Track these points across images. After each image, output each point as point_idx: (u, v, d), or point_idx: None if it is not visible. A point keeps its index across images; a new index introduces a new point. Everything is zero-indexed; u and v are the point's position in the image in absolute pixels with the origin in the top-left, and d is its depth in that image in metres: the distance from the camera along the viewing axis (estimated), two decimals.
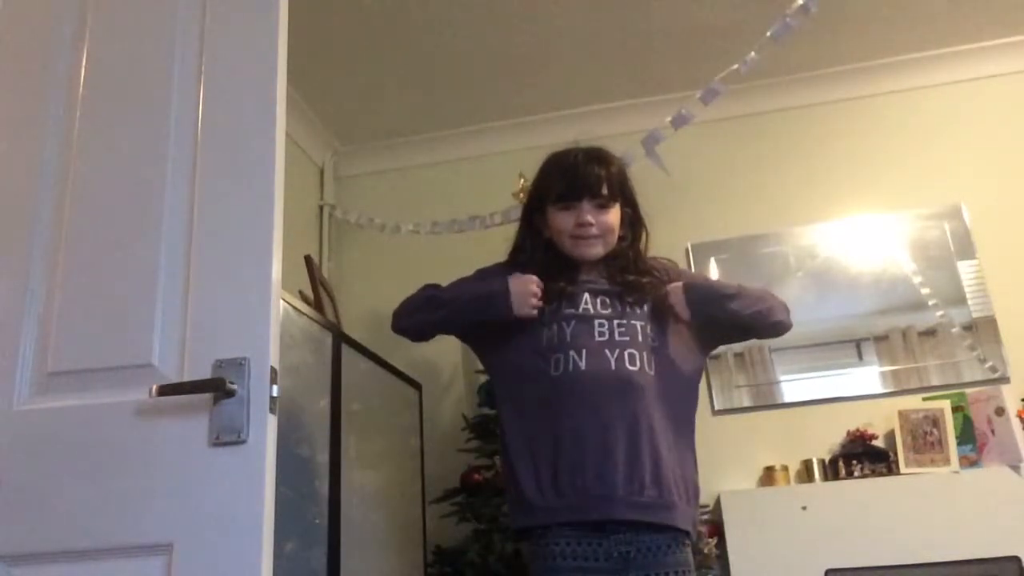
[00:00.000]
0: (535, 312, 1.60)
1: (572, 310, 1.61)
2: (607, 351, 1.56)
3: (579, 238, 1.64)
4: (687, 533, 1.55)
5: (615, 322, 1.60)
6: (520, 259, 1.75)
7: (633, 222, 1.73)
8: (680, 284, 1.64)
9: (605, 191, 1.64)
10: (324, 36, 2.96)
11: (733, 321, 1.63)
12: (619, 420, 1.51)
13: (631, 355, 1.57)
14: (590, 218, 1.63)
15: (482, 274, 1.80)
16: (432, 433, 3.14)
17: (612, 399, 1.53)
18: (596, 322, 1.59)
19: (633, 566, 1.47)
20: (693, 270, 3.26)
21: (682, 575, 1.50)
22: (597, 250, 1.66)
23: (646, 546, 1.48)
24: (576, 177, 1.64)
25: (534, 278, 1.62)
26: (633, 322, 1.61)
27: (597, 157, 1.68)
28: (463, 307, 1.69)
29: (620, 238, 1.70)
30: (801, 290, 3.18)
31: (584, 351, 1.56)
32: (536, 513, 1.51)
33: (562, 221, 1.65)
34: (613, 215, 1.66)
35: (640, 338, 1.60)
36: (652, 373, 1.58)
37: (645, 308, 1.64)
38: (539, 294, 1.60)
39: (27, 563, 1.22)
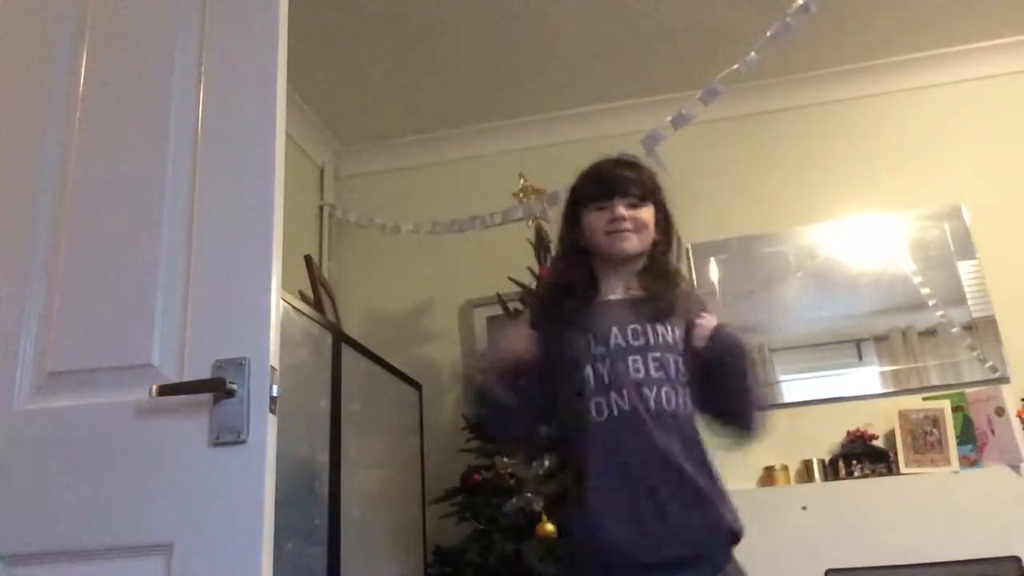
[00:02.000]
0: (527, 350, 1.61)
1: (603, 348, 1.58)
2: (645, 389, 1.55)
3: (612, 232, 1.65)
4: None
5: (649, 356, 1.58)
6: (555, 276, 1.79)
7: (666, 229, 1.73)
8: (714, 318, 1.63)
9: (637, 191, 1.67)
10: (324, 36, 2.96)
11: (732, 386, 1.60)
12: (659, 460, 1.54)
13: (667, 394, 1.56)
14: (623, 212, 1.64)
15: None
16: (432, 433, 3.14)
17: (653, 439, 1.53)
18: (630, 359, 1.57)
19: None
20: (693, 270, 3.26)
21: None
22: (632, 243, 1.65)
23: None
24: (608, 178, 1.69)
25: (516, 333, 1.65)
26: (667, 354, 1.58)
27: (628, 162, 1.73)
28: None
29: (654, 243, 1.70)
30: (801, 290, 3.19)
31: (625, 392, 1.55)
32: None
33: (596, 220, 1.67)
34: (646, 212, 1.67)
35: (674, 372, 1.58)
36: (684, 412, 1.58)
37: (677, 332, 1.61)
38: (520, 344, 1.62)
39: (27, 563, 1.22)
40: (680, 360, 1.58)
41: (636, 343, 1.58)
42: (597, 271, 1.69)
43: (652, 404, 1.54)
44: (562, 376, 1.61)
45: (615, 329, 1.59)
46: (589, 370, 1.57)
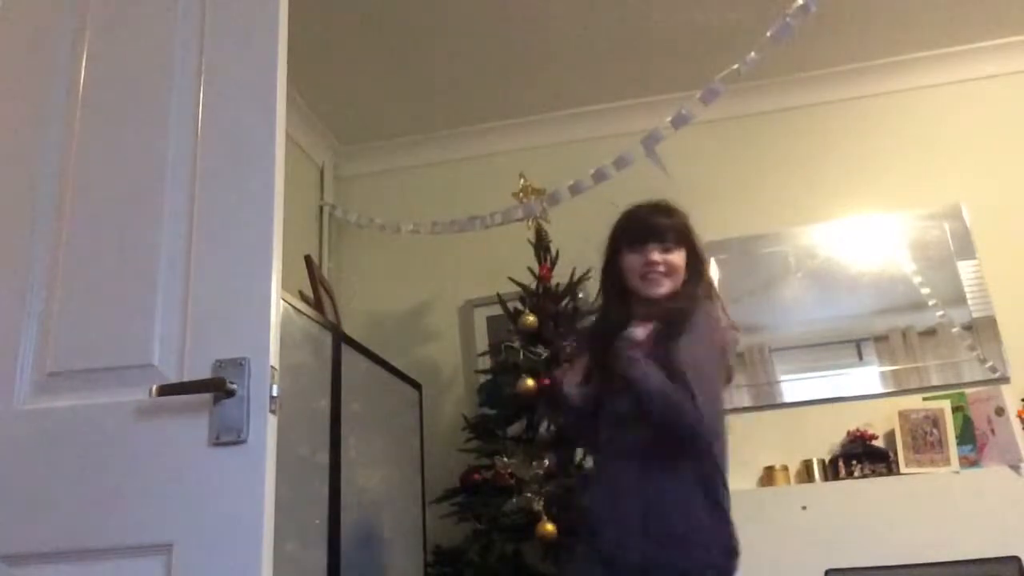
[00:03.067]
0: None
1: (618, 385, 1.73)
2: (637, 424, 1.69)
3: (646, 276, 1.79)
4: None
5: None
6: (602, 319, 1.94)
7: (698, 269, 1.86)
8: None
9: (671, 236, 1.82)
10: (324, 36, 2.96)
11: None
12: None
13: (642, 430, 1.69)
14: (657, 257, 1.78)
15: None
16: (432, 433, 3.14)
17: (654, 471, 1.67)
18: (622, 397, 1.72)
19: None
20: None
21: None
22: (664, 287, 1.79)
23: None
24: (643, 224, 1.84)
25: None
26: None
27: (661, 207, 1.87)
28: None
29: (684, 282, 1.82)
30: (801, 290, 3.19)
31: (625, 426, 1.71)
32: None
33: (632, 262, 1.82)
34: (678, 257, 1.81)
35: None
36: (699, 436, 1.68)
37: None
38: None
39: (27, 563, 1.22)
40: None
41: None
42: (630, 308, 1.83)
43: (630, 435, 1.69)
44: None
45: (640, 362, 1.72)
46: (609, 406, 1.75)
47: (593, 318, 2.04)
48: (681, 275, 1.81)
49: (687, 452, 1.65)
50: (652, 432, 1.65)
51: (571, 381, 1.85)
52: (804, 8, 2.29)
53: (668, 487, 1.64)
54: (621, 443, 1.71)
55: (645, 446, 1.66)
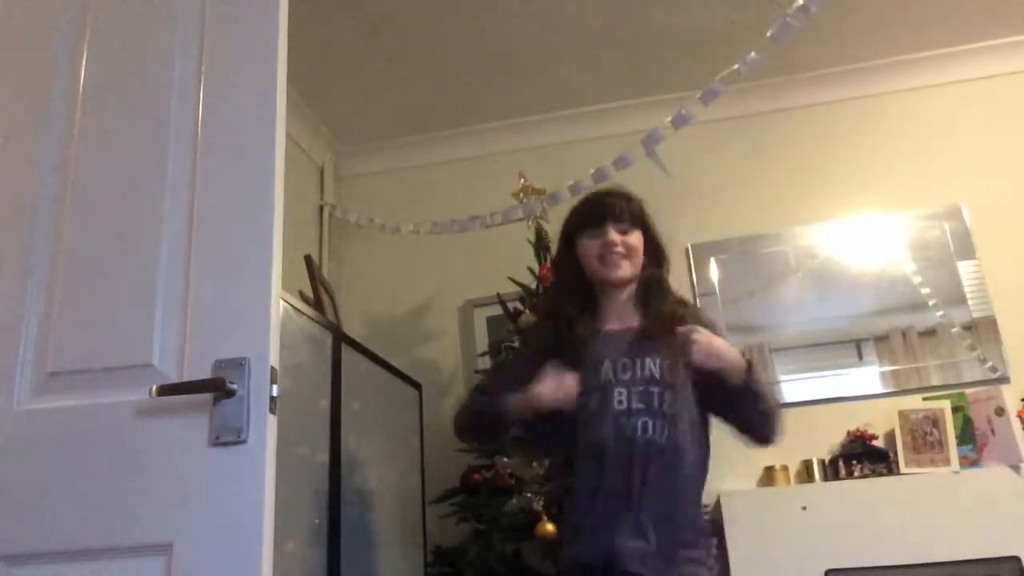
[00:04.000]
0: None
1: (595, 380, 1.66)
2: (623, 419, 1.63)
3: (606, 257, 1.74)
4: None
5: (632, 389, 1.65)
6: (557, 307, 1.84)
7: (655, 253, 1.82)
8: (707, 334, 1.68)
9: (626, 217, 1.77)
10: (324, 36, 2.96)
11: (743, 394, 1.66)
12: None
13: (646, 424, 1.62)
14: (615, 237, 1.73)
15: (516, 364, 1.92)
16: (432, 433, 3.14)
17: (634, 467, 1.60)
18: (616, 391, 1.65)
19: None
20: (693, 270, 3.26)
21: None
22: (624, 269, 1.74)
23: None
24: (599, 205, 1.79)
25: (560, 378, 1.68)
26: (650, 387, 1.65)
27: (616, 191, 1.84)
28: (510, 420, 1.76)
29: (643, 266, 1.78)
30: (801, 290, 3.19)
31: (608, 423, 1.63)
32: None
33: (590, 247, 1.76)
34: (635, 238, 1.77)
35: (656, 404, 1.64)
36: (664, 440, 1.63)
37: (664, 364, 1.66)
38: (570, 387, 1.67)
39: (27, 563, 1.22)
40: (664, 392, 1.64)
41: (624, 376, 1.66)
42: (597, 299, 1.77)
43: (635, 433, 1.61)
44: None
45: (607, 362, 1.67)
46: (584, 401, 1.66)
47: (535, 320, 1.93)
48: (640, 258, 1.77)
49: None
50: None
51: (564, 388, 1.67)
52: (804, 8, 2.29)
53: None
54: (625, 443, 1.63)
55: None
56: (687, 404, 1.65)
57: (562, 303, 1.81)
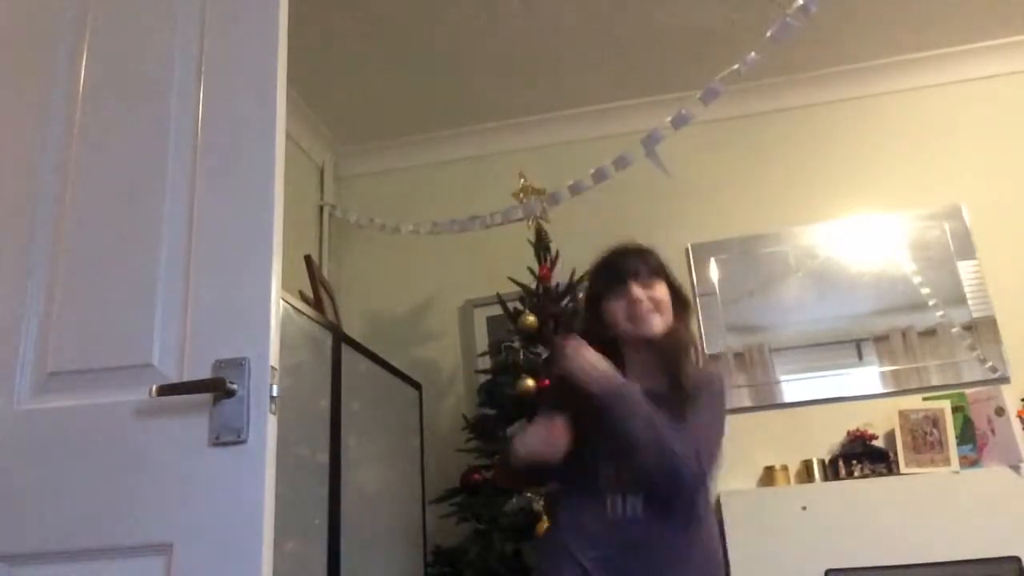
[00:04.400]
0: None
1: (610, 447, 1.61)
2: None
3: (635, 317, 1.69)
4: None
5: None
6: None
7: (682, 308, 1.76)
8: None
9: (645, 271, 1.72)
10: (324, 36, 2.96)
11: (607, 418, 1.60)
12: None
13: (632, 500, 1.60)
14: (640, 294, 1.69)
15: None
16: (432, 433, 3.14)
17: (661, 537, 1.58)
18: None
19: None
20: (693, 270, 3.26)
21: None
22: (656, 323, 1.68)
23: None
24: (618, 264, 1.75)
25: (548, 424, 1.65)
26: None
27: (630, 248, 1.78)
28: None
29: (673, 321, 1.73)
30: (801, 290, 3.19)
31: (629, 492, 1.59)
32: None
33: (616, 308, 1.71)
34: (660, 291, 1.72)
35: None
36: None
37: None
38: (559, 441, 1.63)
39: (27, 563, 1.22)
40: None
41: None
42: (624, 358, 1.71)
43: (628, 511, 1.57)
44: (584, 463, 1.64)
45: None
46: (609, 467, 1.61)
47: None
48: (669, 310, 1.71)
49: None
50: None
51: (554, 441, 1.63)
52: (804, 8, 2.29)
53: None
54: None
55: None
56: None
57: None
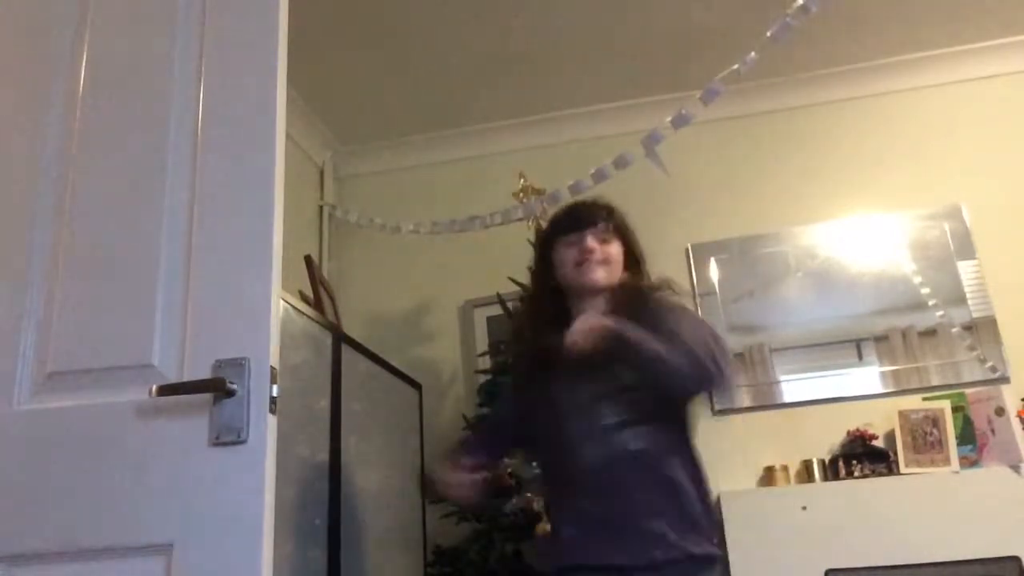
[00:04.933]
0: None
1: (581, 398, 1.64)
2: (615, 435, 1.60)
3: (582, 264, 1.70)
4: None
5: (616, 400, 1.62)
6: (530, 319, 1.82)
7: (636, 265, 1.78)
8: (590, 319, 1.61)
9: (604, 224, 1.74)
10: (324, 36, 2.96)
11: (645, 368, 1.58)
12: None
13: (636, 434, 1.60)
14: (593, 244, 1.70)
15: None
16: (432, 433, 3.14)
17: (629, 480, 1.59)
18: (602, 406, 1.62)
19: None
20: (693, 270, 3.26)
21: None
22: (600, 275, 1.70)
23: None
24: (579, 213, 1.77)
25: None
26: (633, 395, 1.62)
27: (596, 201, 1.81)
28: None
29: (620, 282, 1.74)
30: (801, 290, 3.19)
31: (595, 440, 1.61)
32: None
33: (567, 253, 1.72)
34: (615, 248, 1.73)
35: (639, 413, 1.61)
36: (657, 447, 1.60)
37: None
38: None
39: (27, 563, 1.22)
40: (646, 399, 1.61)
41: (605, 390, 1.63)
42: (571, 310, 1.71)
43: (626, 448, 1.58)
44: (546, 423, 1.68)
45: (587, 379, 1.62)
46: (569, 422, 1.63)
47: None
48: (618, 269, 1.72)
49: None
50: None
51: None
52: (804, 8, 2.29)
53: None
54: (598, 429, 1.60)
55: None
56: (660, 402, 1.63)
57: (532, 317, 1.79)
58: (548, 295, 1.76)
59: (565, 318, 1.66)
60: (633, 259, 1.77)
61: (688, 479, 1.59)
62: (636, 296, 1.70)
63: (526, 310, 1.92)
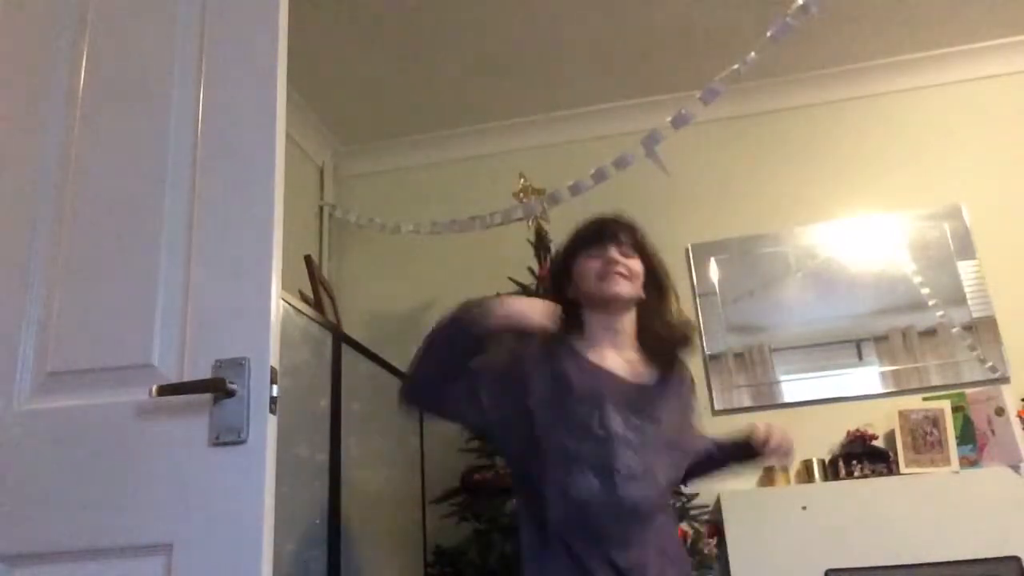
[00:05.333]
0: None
1: (602, 431, 1.52)
2: (631, 485, 1.51)
3: (605, 277, 1.64)
4: None
5: (640, 452, 1.53)
6: None
7: (658, 288, 1.73)
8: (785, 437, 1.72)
9: (629, 240, 1.70)
10: (324, 36, 2.96)
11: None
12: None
13: (647, 491, 1.53)
14: (617, 256, 1.65)
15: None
16: (432, 433, 3.14)
17: (632, 531, 1.52)
18: (621, 451, 1.51)
19: None
20: (693, 270, 3.26)
21: None
22: (624, 288, 1.63)
23: None
24: (603, 226, 1.72)
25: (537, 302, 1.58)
26: (658, 457, 1.56)
27: (621, 218, 1.75)
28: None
29: (644, 303, 1.69)
30: (801, 290, 3.19)
31: (604, 479, 1.50)
32: None
33: (589, 267, 1.67)
34: (637, 264, 1.69)
35: (663, 476, 1.57)
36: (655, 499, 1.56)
37: (670, 431, 1.60)
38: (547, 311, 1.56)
39: (27, 563, 1.22)
40: (668, 463, 1.57)
41: (630, 436, 1.53)
42: (586, 324, 1.66)
43: (634, 499, 1.49)
44: (545, 423, 1.54)
45: (611, 411, 1.53)
46: (583, 445, 1.51)
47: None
48: (640, 284, 1.67)
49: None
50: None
51: None
52: (804, 8, 2.29)
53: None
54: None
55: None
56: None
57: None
58: (563, 302, 1.66)
59: (577, 327, 1.65)
60: (656, 281, 1.72)
61: None
62: (666, 350, 1.67)
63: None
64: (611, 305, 1.65)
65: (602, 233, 1.70)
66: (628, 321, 1.67)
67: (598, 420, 1.52)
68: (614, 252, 1.66)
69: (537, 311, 1.51)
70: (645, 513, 1.50)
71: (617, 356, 1.64)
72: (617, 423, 1.52)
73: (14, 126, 1.47)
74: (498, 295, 1.73)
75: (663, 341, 1.67)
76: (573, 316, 1.66)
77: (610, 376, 1.59)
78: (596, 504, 1.47)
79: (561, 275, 1.74)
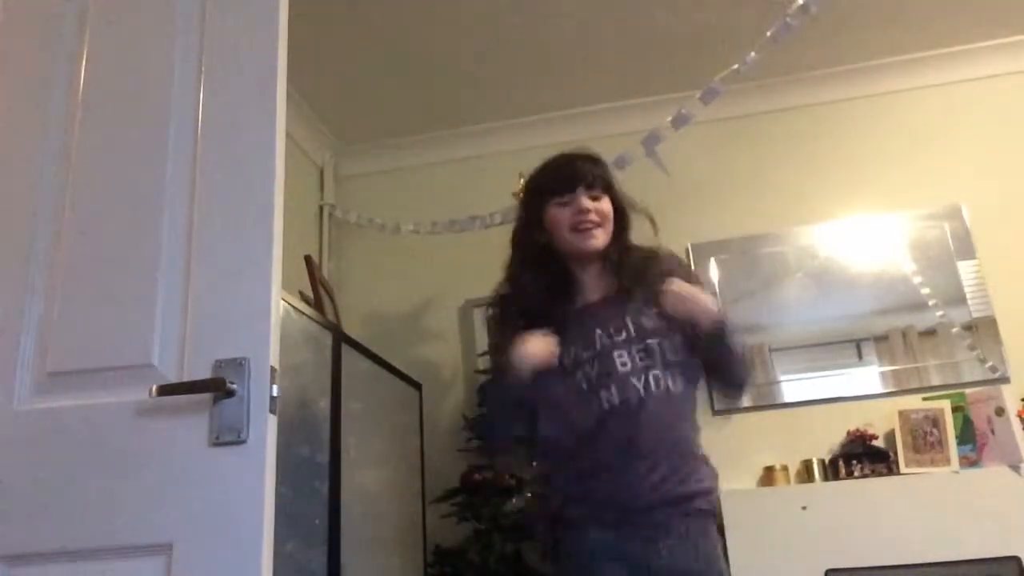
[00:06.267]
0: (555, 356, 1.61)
1: (591, 351, 1.61)
2: (633, 379, 1.59)
3: (579, 229, 1.65)
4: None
5: (633, 348, 1.61)
6: (520, 285, 1.72)
7: (621, 219, 1.74)
8: (680, 283, 1.63)
9: (598, 182, 1.69)
10: (324, 36, 2.96)
11: (714, 336, 1.61)
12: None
13: (656, 378, 1.59)
14: (588, 204, 1.65)
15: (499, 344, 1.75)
16: (432, 433, 3.14)
17: (647, 423, 1.58)
18: (615, 354, 1.60)
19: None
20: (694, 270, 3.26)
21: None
22: (599, 239, 1.66)
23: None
24: (571, 170, 1.69)
25: (538, 339, 1.61)
26: (649, 340, 1.62)
27: (586, 155, 1.74)
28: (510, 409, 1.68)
29: (614, 234, 1.72)
30: (801, 290, 3.19)
31: (614, 386, 1.59)
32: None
33: (560, 215, 1.67)
34: (606, 205, 1.69)
35: (659, 356, 1.61)
36: (678, 388, 1.62)
37: (656, 317, 1.63)
38: (548, 348, 1.60)
39: (27, 563, 1.22)
40: (663, 341, 1.62)
41: (619, 338, 1.61)
42: (570, 273, 1.70)
43: (642, 391, 1.58)
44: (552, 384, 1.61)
45: (598, 331, 1.62)
46: (580, 375, 1.60)
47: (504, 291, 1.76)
48: (611, 225, 1.68)
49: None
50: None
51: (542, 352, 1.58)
52: (804, 8, 2.29)
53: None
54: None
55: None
56: (684, 348, 1.64)
57: (531, 284, 1.68)
58: (543, 258, 1.69)
59: (564, 281, 1.68)
60: (620, 211, 1.72)
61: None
62: (649, 262, 1.70)
63: (523, 268, 1.74)
64: (586, 257, 1.69)
65: (571, 177, 1.68)
66: (607, 264, 1.71)
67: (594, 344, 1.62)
68: (584, 200, 1.65)
69: (540, 349, 1.58)
70: (649, 407, 1.57)
71: (595, 291, 1.70)
72: (605, 340, 1.61)
73: (14, 126, 1.47)
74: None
75: (624, 266, 1.70)
76: (558, 269, 1.69)
77: (590, 306, 1.67)
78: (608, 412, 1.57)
79: (533, 223, 1.72)
